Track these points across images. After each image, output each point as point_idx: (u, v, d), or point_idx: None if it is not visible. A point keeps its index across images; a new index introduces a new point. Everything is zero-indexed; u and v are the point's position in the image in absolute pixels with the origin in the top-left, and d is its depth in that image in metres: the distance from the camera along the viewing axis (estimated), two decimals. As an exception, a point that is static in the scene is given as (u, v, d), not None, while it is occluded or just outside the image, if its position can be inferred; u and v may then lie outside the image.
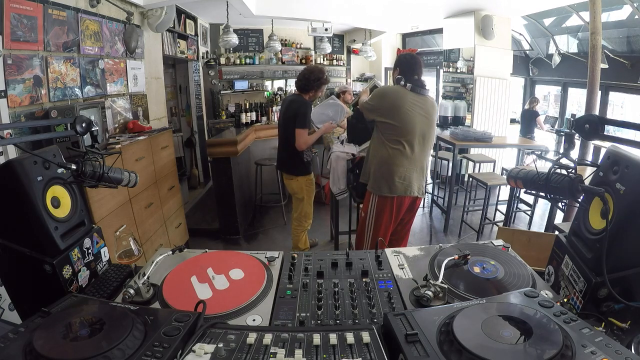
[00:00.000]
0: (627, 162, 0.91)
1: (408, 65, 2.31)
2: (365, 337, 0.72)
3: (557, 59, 5.54)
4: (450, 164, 4.16)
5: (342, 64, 7.25)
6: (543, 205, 4.42)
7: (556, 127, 5.93)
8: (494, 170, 5.08)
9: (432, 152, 4.60)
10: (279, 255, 1.16)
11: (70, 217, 1.10)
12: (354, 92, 5.28)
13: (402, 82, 2.27)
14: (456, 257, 1.05)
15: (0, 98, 1.95)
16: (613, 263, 0.89)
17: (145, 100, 3.58)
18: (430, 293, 0.91)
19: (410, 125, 2.22)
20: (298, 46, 6.73)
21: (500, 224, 3.87)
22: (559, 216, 3.50)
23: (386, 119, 2.25)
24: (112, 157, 1.55)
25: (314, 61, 6.84)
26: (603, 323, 0.85)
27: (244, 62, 6.30)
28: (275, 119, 5.30)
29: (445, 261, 1.01)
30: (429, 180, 5.03)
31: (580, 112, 5.36)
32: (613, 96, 4.91)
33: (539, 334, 0.68)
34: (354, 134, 3.11)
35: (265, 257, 1.15)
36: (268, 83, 6.66)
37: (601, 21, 3.16)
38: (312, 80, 2.87)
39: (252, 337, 0.71)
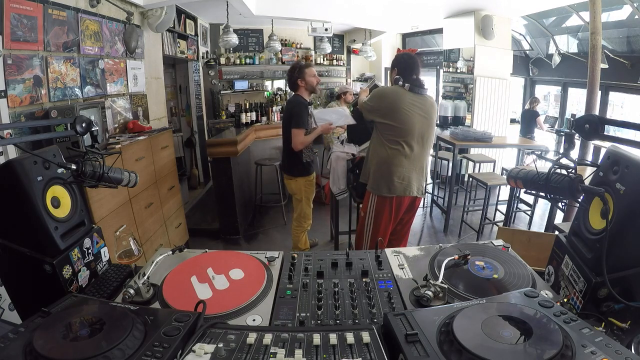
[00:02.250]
0: (627, 162, 0.91)
1: (406, 65, 2.31)
2: (365, 337, 0.72)
3: (557, 59, 5.54)
4: (450, 164, 4.16)
5: (342, 64, 7.24)
6: (543, 205, 4.42)
7: (556, 127, 5.93)
8: (494, 170, 5.08)
9: (432, 152, 4.62)
10: (279, 255, 1.16)
11: (70, 217, 1.10)
12: (354, 92, 5.28)
13: (401, 83, 2.26)
14: (456, 257, 1.05)
15: (0, 98, 1.95)
16: (613, 263, 0.88)
17: (145, 100, 3.59)
18: (430, 293, 0.91)
19: (409, 125, 2.22)
20: (298, 46, 6.73)
21: (500, 224, 3.87)
22: (559, 216, 3.50)
23: (385, 120, 2.25)
24: (112, 157, 1.55)
25: (313, 61, 6.84)
26: (603, 323, 0.85)
27: (244, 62, 6.30)
28: (275, 119, 5.33)
29: (445, 261, 1.01)
30: (429, 180, 5.03)
31: (580, 112, 5.36)
32: (613, 96, 4.91)
33: (539, 334, 0.68)
34: (354, 134, 3.11)
35: (265, 257, 1.15)
36: (268, 83, 6.66)
37: (601, 21, 3.16)
38: (293, 73, 2.94)
39: (252, 337, 0.71)
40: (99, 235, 1.21)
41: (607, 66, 4.31)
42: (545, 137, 5.87)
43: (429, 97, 2.34)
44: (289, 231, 3.68)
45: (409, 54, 2.47)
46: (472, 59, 5.31)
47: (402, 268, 1.11)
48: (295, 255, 1.15)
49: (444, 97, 5.99)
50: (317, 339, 0.71)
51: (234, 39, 4.42)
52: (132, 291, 0.93)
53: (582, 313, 0.91)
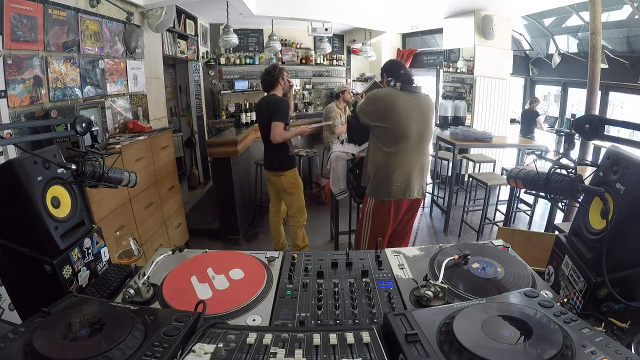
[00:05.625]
0: (627, 162, 0.91)
1: (392, 66, 2.36)
2: (365, 337, 0.72)
3: (557, 59, 5.54)
4: (450, 164, 4.16)
5: (342, 64, 7.24)
6: (543, 205, 4.42)
7: (556, 127, 5.93)
8: (494, 170, 5.08)
9: (432, 152, 4.62)
10: (279, 255, 1.16)
11: (70, 217, 1.10)
12: (354, 92, 5.28)
13: (392, 83, 2.27)
14: (456, 257, 1.05)
15: (0, 98, 1.95)
16: (613, 263, 0.89)
17: (145, 100, 3.59)
18: (430, 293, 0.91)
19: (405, 126, 2.20)
20: (298, 46, 6.73)
21: (500, 224, 3.87)
22: (559, 216, 3.50)
23: (381, 123, 2.23)
24: (112, 157, 1.55)
25: (313, 61, 6.85)
26: (603, 323, 0.85)
27: (244, 62, 6.29)
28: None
29: (445, 261, 1.01)
30: (429, 180, 5.03)
31: (580, 112, 5.36)
32: (613, 96, 4.91)
33: (539, 334, 0.68)
34: (354, 134, 3.11)
35: (265, 257, 1.15)
36: (268, 83, 6.65)
37: (601, 21, 3.15)
38: (275, 72, 3.00)
39: (252, 337, 0.71)
40: (99, 235, 1.21)
41: (607, 66, 4.31)
42: (545, 137, 5.86)
43: (424, 95, 2.32)
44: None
45: (392, 59, 2.55)
46: (472, 59, 5.31)
47: (402, 268, 1.11)
48: (295, 255, 1.15)
49: (444, 97, 5.99)
50: (317, 339, 0.71)
51: (234, 39, 4.43)
52: (132, 291, 0.93)
53: (582, 313, 0.91)
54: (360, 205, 2.58)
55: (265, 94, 3.18)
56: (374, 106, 2.26)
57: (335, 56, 7.11)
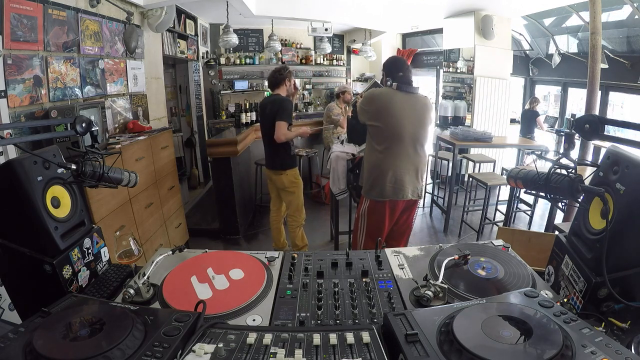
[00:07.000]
0: (627, 162, 0.91)
1: (391, 65, 2.34)
2: (365, 337, 0.72)
3: (557, 59, 5.54)
4: (450, 164, 4.16)
5: (342, 64, 7.24)
6: (543, 205, 4.42)
7: (556, 127, 5.92)
8: (494, 170, 5.08)
9: (432, 152, 4.62)
10: (279, 255, 1.16)
11: (70, 217, 1.10)
12: (354, 92, 5.28)
13: (389, 83, 2.27)
14: (456, 257, 1.05)
15: (0, 98, 1.95)
16: (613, 263, 0.88)
17: (145, 100, 3.59)
18: (430, 293, 0.91)
19: (400, 126, 2.19)
20: (298, 46, 6.73)
21: (500, 224, 3.87)
22: (559, 216, 3.50)
23: (375, 122, 2.23)
24: (112, 157, 1.55)
25: (313, 61, 6.85)
26: (603, 323, 0.85)
27: (244, 62, 6.30)
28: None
29: (445, 261, 1.01)
30: (429, 180, 5.03)
31: (580, 112, 5.35)
32: (613, 96, 4.91)
33: (539, 334, 0.68)
34: (354, 134, 3.12)
35: (265, 257, 1.15)
36: (268, 83, 6.66)
37: (601, 21, 3.16)
38: (283, 72, 3.04)
39: (252, 337, 0.71)
40: (99, 235, 1.21)
41: (607, 66, 4.31)
42: (545, 137, 5.86)
43: (421, 96, 2.31)
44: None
45: (395, 56, 2.50)
46: (472, 59, 5.31)
47: (402, 268, 1.11)
48: (295, 255, 1.15)
49: (444, 97, 5.99)
50: (317, 339, 0.71)
51: (234, 39, 4.43)
52: (132, 291, 0.93)
53: (582, 313, 0.91)
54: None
55: (269, 92, 3.20)
56: (370, 105, 2.26)
57: (335, 56, 7.11)
